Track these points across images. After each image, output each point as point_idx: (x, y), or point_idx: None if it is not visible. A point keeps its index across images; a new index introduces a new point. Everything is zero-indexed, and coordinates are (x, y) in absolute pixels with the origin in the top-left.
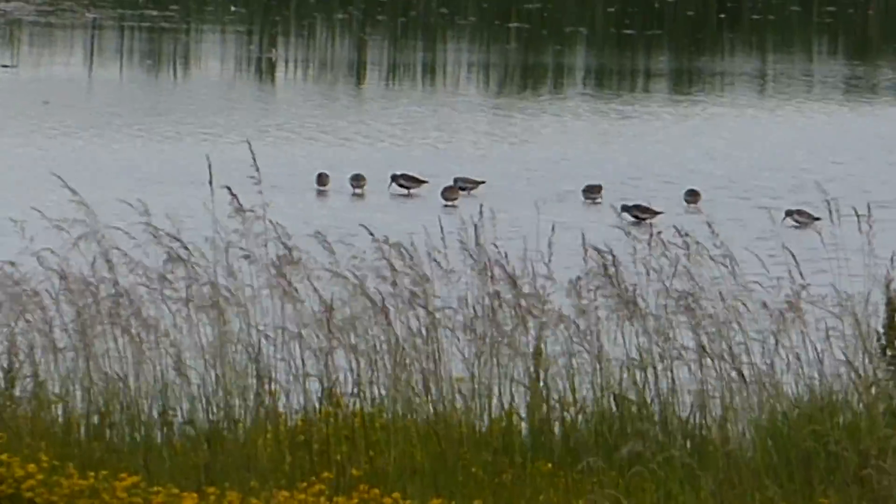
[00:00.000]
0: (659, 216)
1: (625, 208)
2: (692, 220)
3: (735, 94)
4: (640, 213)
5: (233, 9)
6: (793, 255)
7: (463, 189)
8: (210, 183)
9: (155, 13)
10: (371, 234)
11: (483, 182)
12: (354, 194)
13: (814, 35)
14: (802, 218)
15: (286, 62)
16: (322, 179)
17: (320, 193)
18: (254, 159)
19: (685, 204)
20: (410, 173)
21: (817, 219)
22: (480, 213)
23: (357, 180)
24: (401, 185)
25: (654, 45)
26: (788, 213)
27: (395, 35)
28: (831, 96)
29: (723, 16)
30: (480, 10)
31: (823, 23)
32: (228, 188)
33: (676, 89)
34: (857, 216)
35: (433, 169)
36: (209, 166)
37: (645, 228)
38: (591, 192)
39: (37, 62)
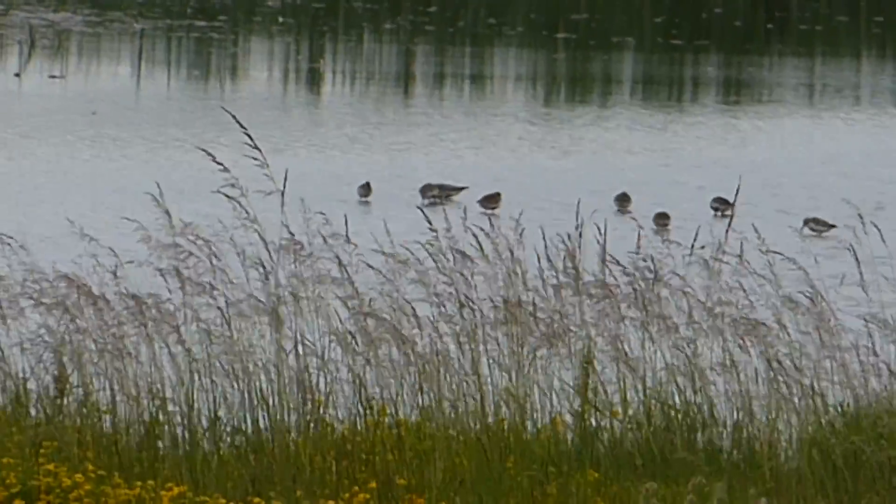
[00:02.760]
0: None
1: (805, 221)
2: (721, 228)
3: (783, 103)
4: (816, 226)
5: (280, 19)
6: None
7: (438, 196)
8: (282, 193)
9: (203, 23)
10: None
11: (465, 188)
12: (363, 202)
13: (862, 45)
14: (818, 226)
15: (334, 72)
16: (364, 189)
17: (362, 203)
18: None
19: (712, 212)
20: (440, 183)
21: (833, 226)
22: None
23: (365, 188)
24: (433, 197)
25: (701, 55)
26: (805, 222)
27: (443, 45)
28: (880, 106)
29: (770, 26)
30: (528, 21)
31: (871, 33)
32: (286, 196)
33: (724, 99)
34: None
35: (475, 178)
36: (285, 177)
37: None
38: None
39: (85, 73)
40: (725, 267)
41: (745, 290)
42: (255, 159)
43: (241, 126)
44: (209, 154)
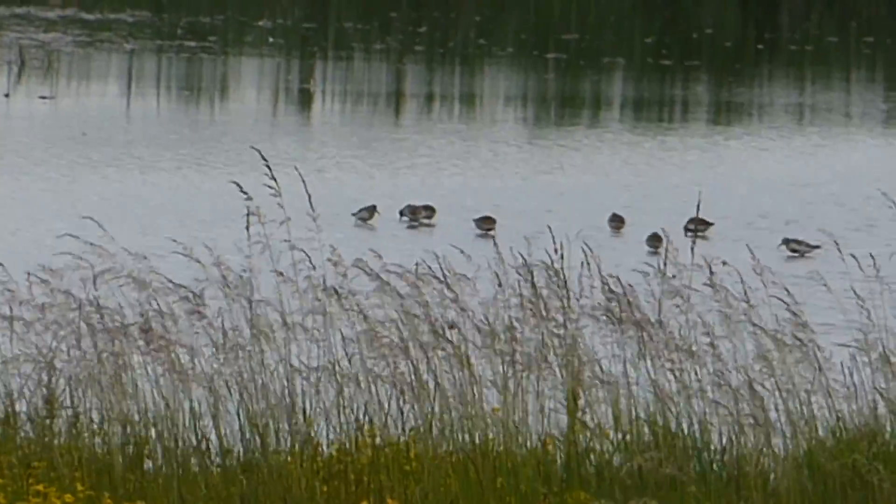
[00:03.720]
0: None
1: (786, 241)
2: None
3: (773, 124)
4: (799, 246)
5: (271, 39)
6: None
7: (413, 217)
8: (285, 217)
9: (193, 44)
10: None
11: (432, 209)
12: (360, 225)
13: (852, 66)
14: (800, 247)
15: (324, 93)
16: (368, 213)
17: (360, 225)
18: (308, 193)
19: (687, 232)
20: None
21: (816, 247)
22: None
23: (369, 212)
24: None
25: (691, 75)
26: (785, 242)
27: (433, 65)
28: (870, 127)
29: (761, 46)
30: (518, 41)
31: (862, 53)
32: (251, 215)
33: (715, 119)
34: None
35: (465, 199)
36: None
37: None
38: (616, 221)
39: (75, 93)
40: (705, 289)
41: (729, 313)
42: (270, 188)
43: (264, 159)
44: (238, 185)
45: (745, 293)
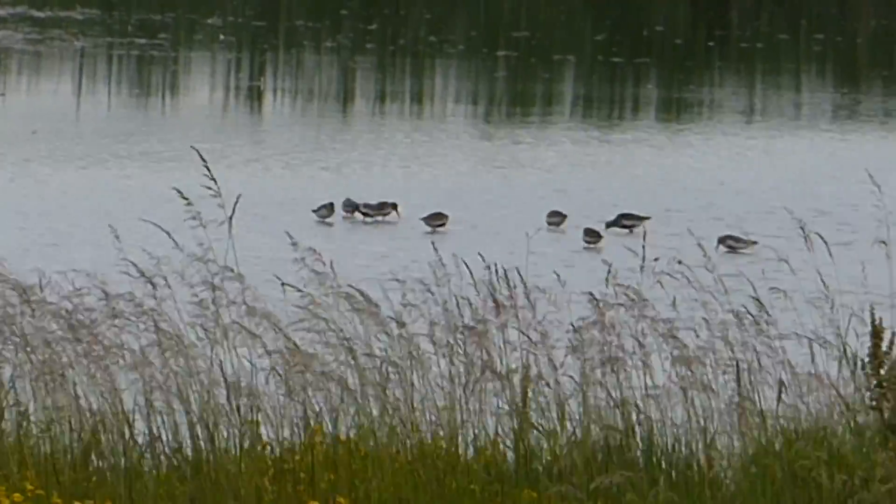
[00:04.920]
0: (646, 221)
1: (721, 240)
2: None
3: (723, 121)
4: (626, 222)
5: (222, 37)
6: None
7: (368, 214)
8: (231, 218)
9: (144, 41)
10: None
11: (395, 204)
12: (324, 223)
13: (802, 63)
14: (737, 244)
15: (274, 90)
16: (327, 210)
17: (319, 222)
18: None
19: (617, 229)
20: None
21: (754, 242)
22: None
23: (328, 209)
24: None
25: (642, 73)
26: (721, 241)
27: (384, 63)
28: (819, 124)
29: (711, 44)
30: (469, 39)
31: (812, 50)
32: (189, 217)
33: (664, 117)
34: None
35: (416, 196)
36: (236, 201)
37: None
38: (555, 216)
39: (25, 90)
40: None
41: (677, 310)
42: (209, 188)
43: (205, 163)
44: (179, 192)
45: (697, 289)
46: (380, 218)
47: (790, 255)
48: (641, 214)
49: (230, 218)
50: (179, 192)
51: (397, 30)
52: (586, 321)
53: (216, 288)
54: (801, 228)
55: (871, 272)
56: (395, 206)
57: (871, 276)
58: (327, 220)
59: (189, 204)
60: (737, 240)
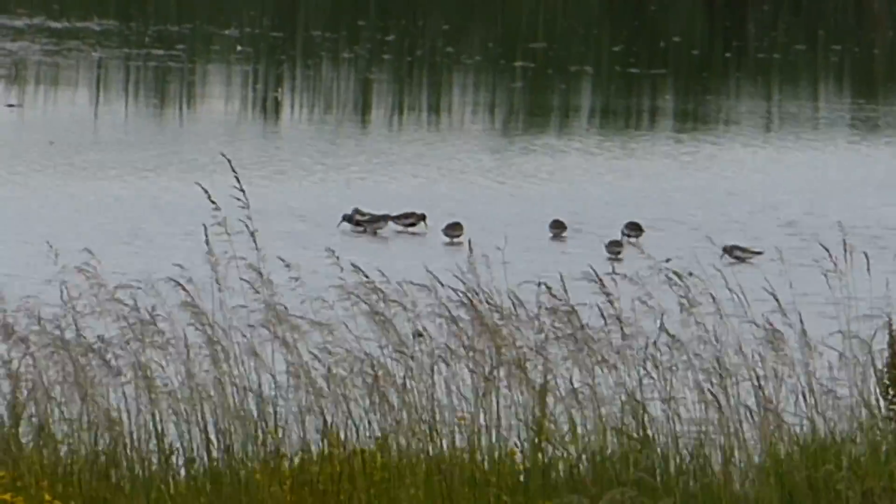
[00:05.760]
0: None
1: (726, 249)
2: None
3: (740, 132)
4: (742, 253)
5: (239, 48)
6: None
7: (360, 224)
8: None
9: (161, 52)
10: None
11: (384, 216)
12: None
13: (819, 74)
14: (744, 254)
15: (292, 101)
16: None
17: (341, 232)
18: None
19: (625, 237)
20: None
21: (759, 252)
22: (469, 250)
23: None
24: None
25: (659, 83)
26: (726, 250)
27: (401, 74)
28: (837, 135)
29: (728, 54)
30: (486, 50)
31: (829, 61)
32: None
33: (681, 128)
34: (866, 258)
35: (434, 207)
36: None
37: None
38: (557, 227)
39: (42, 102)
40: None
41: (699, 320)
42: (238, 199)
43: (234, 170)
44: (205, 191)
45: (715, 299)
46: (380, 229)
47: (799, 265)
48: (754, 249)
49: (250, 231)
50: (208, 194)
51: (414, 41)
52: (599, 329)
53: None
54: (818, 241)
55: (892, 284)
56: (423, 217)
57: (891, 287)
58: (347, 229)
59: (217, 208)
60: (743, 249)
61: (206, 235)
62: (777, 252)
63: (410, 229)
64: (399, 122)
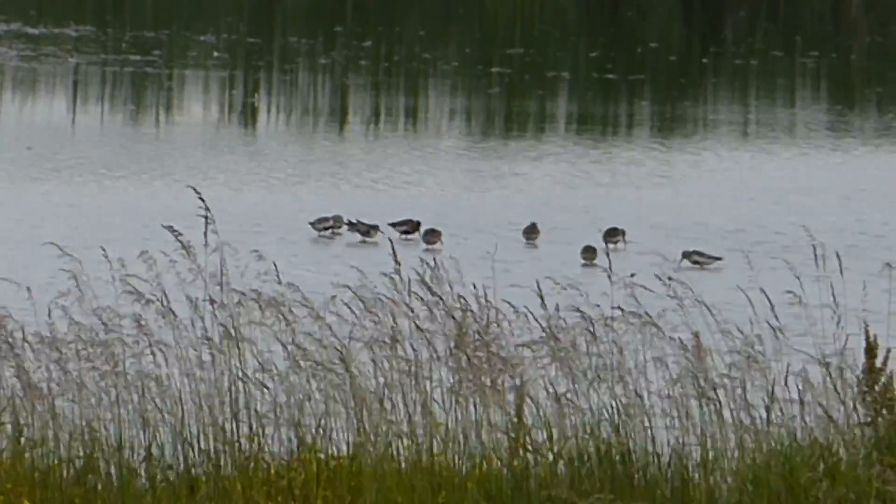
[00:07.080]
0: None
1: (686, 254)
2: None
3: (717, 138)
4: (700, 258)
5: (216, 54)
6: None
7: (360, 231)
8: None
9: (138, 58)
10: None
11: (376, 225)
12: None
13: (796, 80)
14: (702, 258)
15: (269, 107)
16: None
17: (314, 239)
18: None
19: (604, 244)
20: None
21: (718, 258)
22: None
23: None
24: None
25: (636, 89)
26: (685, 255)
27: (378, 80)
28: (814, 141)
29: (705, 61)
30: (463, 56)
31: (806, 67)
32: (175, 234)
33: (659, 134)
34: (839, 262)
35: (411, 213)
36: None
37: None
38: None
39: (19, 107)
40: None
41: (675, 327)
42: (205, 216)
43: (203, 201)
44: (198, 194)
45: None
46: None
47: (772, 270)
48: (713, 254)
49: (204, 242)
50: (196, 191)
51: (391, 47)
52: (580, 335)
53: (213, 301)
54: (814, 247)
55: (869, 290)
56: (418, 226)
57: (868, 294)
58: (323, 234)
59: (180, 237)
60: (701, 255)
61: (178, 238)
62: (745, 257)
63: (406, 237)
64: (376, 128)
